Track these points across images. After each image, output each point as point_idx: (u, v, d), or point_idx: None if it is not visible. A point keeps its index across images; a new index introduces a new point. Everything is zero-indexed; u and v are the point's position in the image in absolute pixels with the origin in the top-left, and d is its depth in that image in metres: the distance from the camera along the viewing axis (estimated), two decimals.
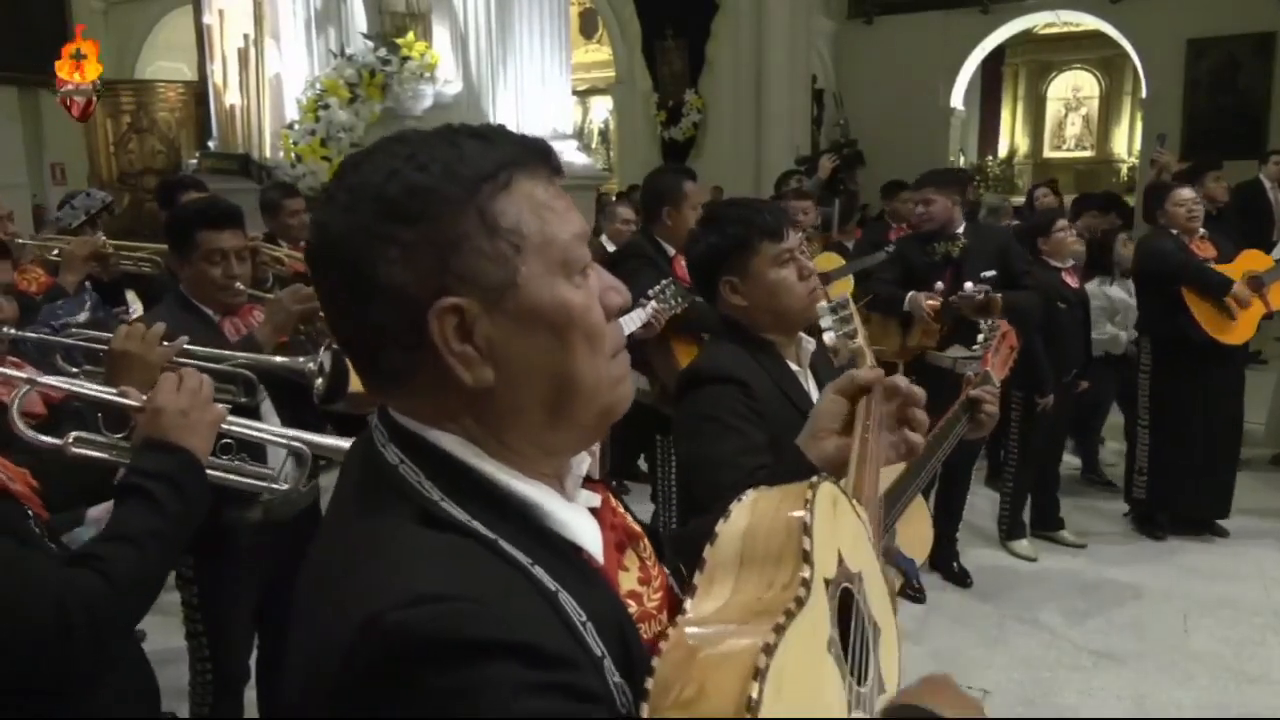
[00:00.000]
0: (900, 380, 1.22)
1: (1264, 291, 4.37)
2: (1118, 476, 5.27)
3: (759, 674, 0.67)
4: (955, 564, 4.15)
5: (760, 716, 0.65)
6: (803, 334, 1.97)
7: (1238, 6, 11.66)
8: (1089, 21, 13.63)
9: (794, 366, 1.91)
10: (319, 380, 2.27)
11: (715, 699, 0.67)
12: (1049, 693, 3.28)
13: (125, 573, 1.32)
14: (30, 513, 1.41)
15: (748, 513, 0.86)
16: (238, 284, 2.41)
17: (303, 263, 4.17)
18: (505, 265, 0.74)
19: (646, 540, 0.92)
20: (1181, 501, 4.60)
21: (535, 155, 0.79)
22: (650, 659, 0.74)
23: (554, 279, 0.76)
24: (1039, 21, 14.61)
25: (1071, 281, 4.48)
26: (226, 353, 2.18)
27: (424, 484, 0.75)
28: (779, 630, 0.71)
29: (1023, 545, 4.43)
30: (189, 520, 1.44)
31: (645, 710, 0.69)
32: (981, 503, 4.83)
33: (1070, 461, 5.43)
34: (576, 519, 0.80)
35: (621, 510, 0.91)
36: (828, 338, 1.51)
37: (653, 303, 3.19)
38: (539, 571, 0.72)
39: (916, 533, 2.03)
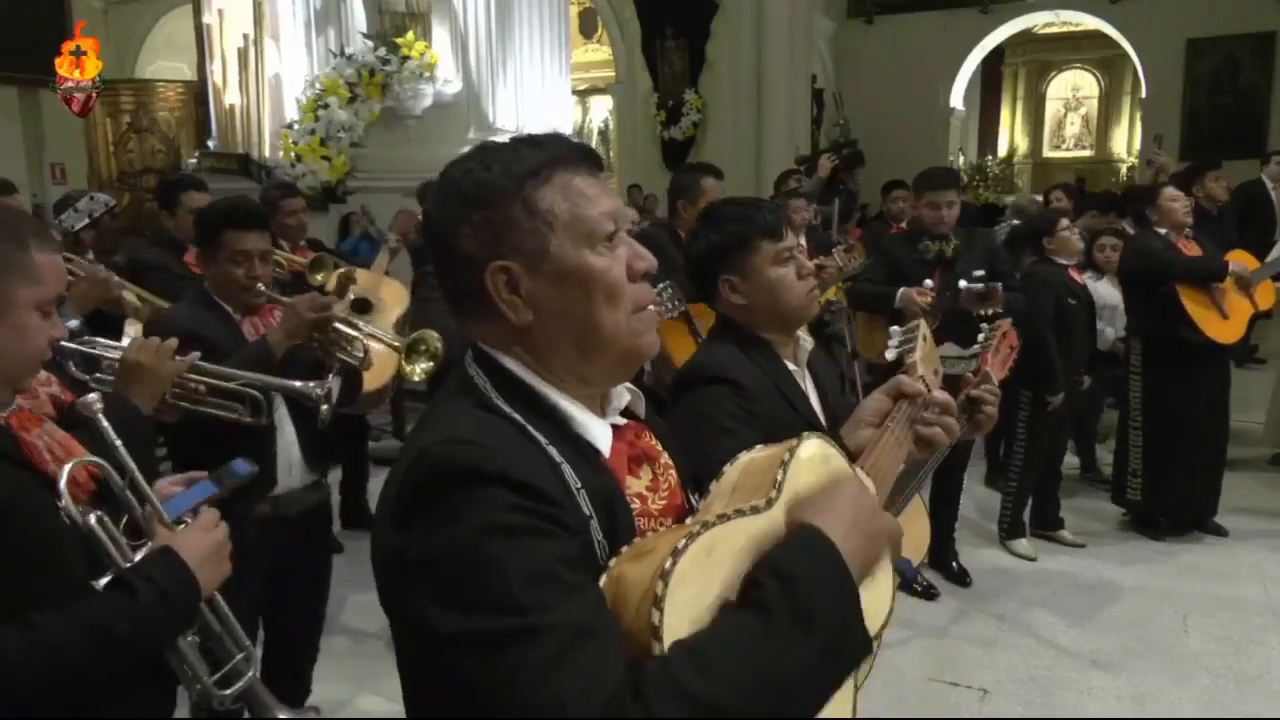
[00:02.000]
0: (939, 394, 1.40)
1: (1251, 291, 4.38)
2: None
3: (690, 536, 0.88)
4: (955, 564, 4.15)
5: (680, 560, 0.85)
6: (800, 334, 1.96)
7: (1238, 6, 11.66)
8: (1089, 21, 13.64)
9: (791, 366, 1.91)
10: (324, 407, 2.30)
11: (658, 552, 0.89)
12: (1049, 693, 3.28)
13: (42, 652, 1.27)
14: (62, 504, 1.36)
15: (748, 458, 1.08)
16: (259, 285, 2.43)
17: (302, 264, 4.18)
18: (541, 238, 1.00)
19: (674, 471, 1.14)
20: (1173, 501, 4.59)
21: (575, 154, 1.04)
22: (634, 531, 1.00)
23: (580, 248, 1.00)
24: (1039, 21, 14.62)
25: (1078, 278, 4.49)
26: (236, 372, 2.17)
27: (487, 388, 1.01)
28: (722, 518, 0.92)
29: (1023, 545, 4.43)
30: (151, 638, 1.39)
31: (612, 562, 0.92)
32: (982, 503, 4.83)
33: (1069, 461, 5.44)
34: (594, 424, 1.04)
35: (653, 442, 1.14)
36: (890, 354, 1.61)
37: None
38: (551, 450, 0.96)
39: (914, 533, 2.02)
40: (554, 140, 1.04)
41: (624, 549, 0.93)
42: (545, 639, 0.82)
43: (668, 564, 0.85)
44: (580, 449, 1.00)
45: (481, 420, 0.97)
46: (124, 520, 1.46)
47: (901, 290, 3.92)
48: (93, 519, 1.39)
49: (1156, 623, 3.74)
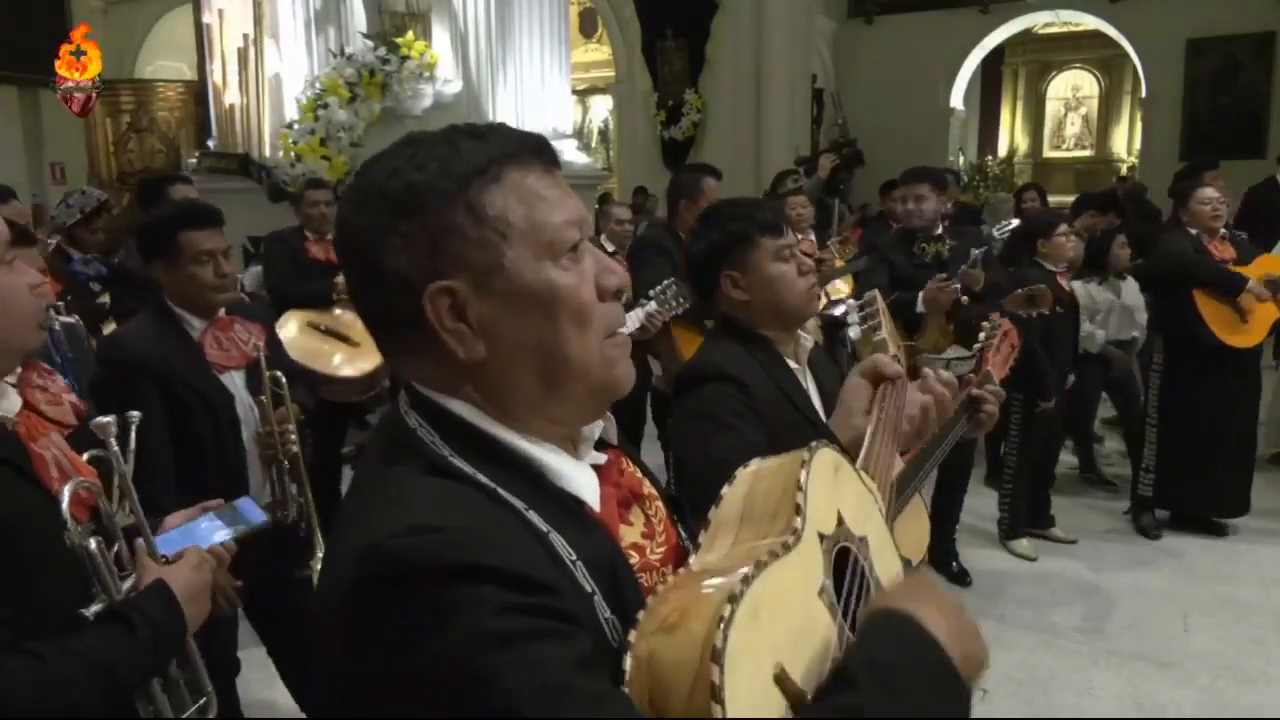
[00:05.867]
0: (939, 378, 1.36)
1: (1278, 297, 4.34)
2: (1115, 475, 5.27)
3: (733, 599, 0.72)
4: (955, 564, 4.15)
5: (730, 633, 0.70)
6: (801, 332, 1.97)
7: (1238, 6, 11.66)
8: (1089, 21, 13.64)
9: (793, 364, 1.91)
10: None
11: (694, 623, 0.73)
12: (1049, 693, 3.28)
13: (45, 687, 1.22)
14: (67, 527, 1.31)
15: (750, 477, 0.93)
16: (228, 280, 2.35)
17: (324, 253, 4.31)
18: (492, 250, 0.81)
19: (660, 504, 0.97)
20: (1186, 501, 4.59)
21: (528, 149, 0.85)
22: (644, 600, 0.81)
23: (540, 262, 0.83)
24: (1039, 21, 14.61)
25: (1065, 285, 4.47)
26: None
27: (436, 442, 0.82)
28: (759, 566, 0.77)
29: (1022, 545, 4.43)
30: (144, 675, 1.37)
31: (633, 636, 0.75)
32: (981, 503, 4.82)
33: (1069, 461, 5.44)
34: (576, 473, 0.86)
35: (634, 472, 0.97)
36: (852, 332, 1.57)
37: (652, 303, 3.18)
38: (533, 515, 0.79)
39: (914, 533, 2.02)
40: (498, 132, 0.86)
41: (640, 616, 0.77)
42: None
43: (718, 641, 0.69)
44: (564, 506, 0.83)
45: (441, 491, 0.78)
46: (114, 548, 1.42)
47: (920, 294, 3.88)
48: (92, 543, 1.34)
49: (1157, 623, 3.74)
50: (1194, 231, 4.40)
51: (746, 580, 0.74)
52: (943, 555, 4.11)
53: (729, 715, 0.68)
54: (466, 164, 0.82)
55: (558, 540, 0.78)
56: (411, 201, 0.81)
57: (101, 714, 1.29)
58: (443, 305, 0.81)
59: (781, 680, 0.74)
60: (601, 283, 0.86)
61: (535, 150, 0.86)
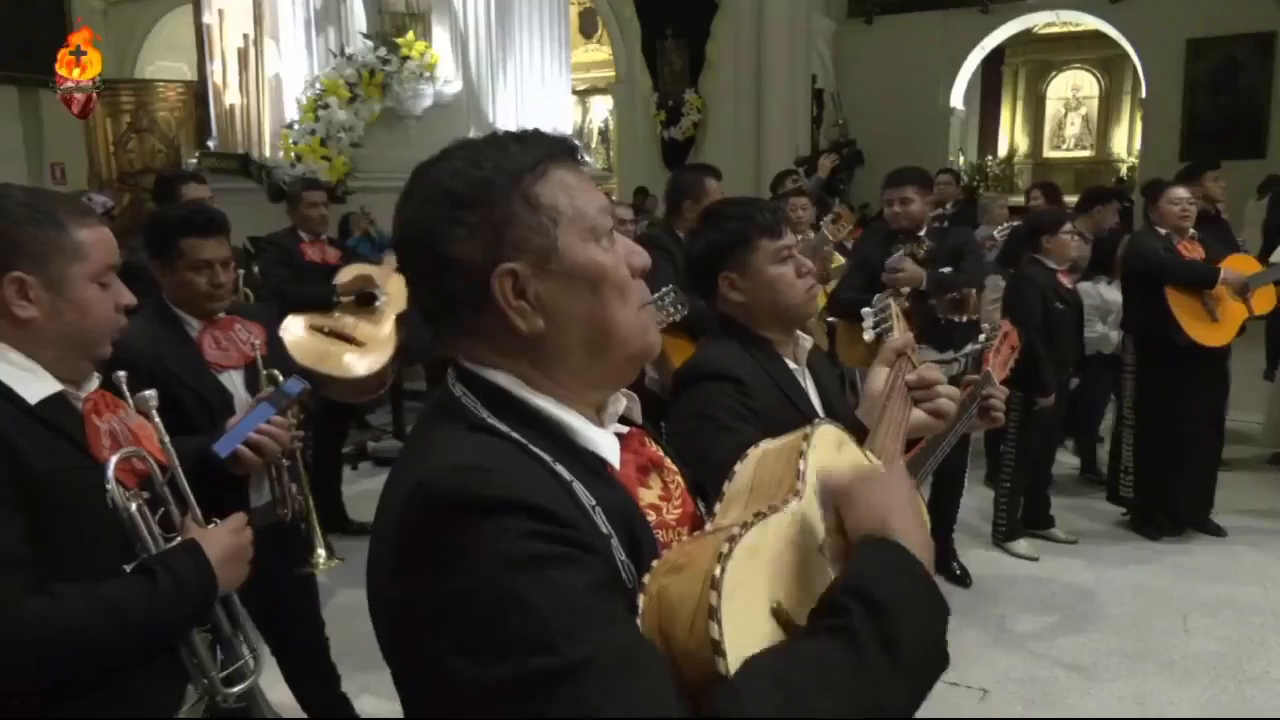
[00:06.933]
0: (927, 370, 1.43)
1: (1248, 295, 4.37)
2: None
3: (732, 539, 0.82)
4: (955, 564, 4.15)
5: (727, 566, 0.79)
6: (800, 332, 1.97)
7: (1238, 6, 11.67)
8: (1089, 21, 13.65)
9: (791, 364, 1.91)
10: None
11: (698, 562, 0.83)
12: (1049, 693, 3.28)
13: (66, 624, 1.32)
14: (109, 487, 1.42)
15: (759, 455, 1.05)
16: (223, 291, 2.37)
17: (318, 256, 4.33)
18: (547, 235, 0.94)
19: (680, 477, 1.10)
20: (1167, 502, 4.59)
21: (564, 149, 1.00)
22: (658, 549, 0.93)
23: (586, 243, 0.96)
24: (1039, 21, 14.63)
25: (1067, 283, 4.47)
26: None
27: (477, 407, 0.94)
28: (759, 516, 0.88)
29: (1022, 545, 4.43)
30: (164, 624, 1.44)
31: (646, 579, 0.86)
32: (981, 503, 4.83)
33: (1069, 461, 5.44)
34: (599, 436, 0.98)
35: (656, 448, 1.10)
36: (866, 335, 1.62)
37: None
38: (559, 467, 0.90)
39: None
40: (537, 136, 0.99)
41: (655, 564, 0.87)
42: (588, 678, 0.74)
43: (716, 571, 0.79)
44: (588, 464, 0.94)
45: (479, 443, 0.90)
46: (160, 512, 1.53)
47: (877, 296, 3.91)
48: (133, 506, 1.46)
49: (1156, 623, 3.74)
50: (1164, 231, 4.42)
51: (746, 525, 0.85)
52: (942, 556, 4.11)
53: (725, 633, 0.76)
54: (518, 163, 0.95)
55: (580, 489, 0.89)
56: (475, 195, 0.93)
57: (119, 653, 1.39)
58: (507, 285, 0.92)
59: (778, 614, 0.83)
60: (630, 262, 1.00)
61: (569, 151, 1.00)
